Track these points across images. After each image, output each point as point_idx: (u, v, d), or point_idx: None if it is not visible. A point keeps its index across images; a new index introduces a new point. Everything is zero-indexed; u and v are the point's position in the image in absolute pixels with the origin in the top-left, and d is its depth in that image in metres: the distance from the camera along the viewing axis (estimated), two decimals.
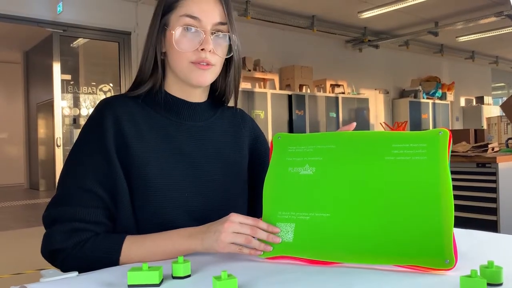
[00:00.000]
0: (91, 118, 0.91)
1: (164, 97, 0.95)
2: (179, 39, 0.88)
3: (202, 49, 0.88)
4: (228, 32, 0.92)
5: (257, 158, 1.08)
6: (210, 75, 0.92)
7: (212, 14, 0.89)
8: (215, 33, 0.90)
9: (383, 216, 0.76)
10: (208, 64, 0.90)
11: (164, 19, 0.91)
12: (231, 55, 0.94)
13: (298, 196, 0.83)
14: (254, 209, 1.04)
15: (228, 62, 0.97)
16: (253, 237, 0.79)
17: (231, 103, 1.08)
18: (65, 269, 0.84)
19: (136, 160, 0.88)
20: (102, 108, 0.91)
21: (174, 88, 0.96)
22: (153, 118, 0.93)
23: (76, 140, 0.91)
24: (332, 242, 0.78)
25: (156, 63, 0.93)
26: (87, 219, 0.84)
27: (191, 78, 0.91)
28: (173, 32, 0.88)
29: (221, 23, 0.90)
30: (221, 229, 0.77)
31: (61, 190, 0.87)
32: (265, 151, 1.10)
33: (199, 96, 0.99)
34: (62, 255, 0.84)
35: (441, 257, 0.71)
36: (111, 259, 0.82)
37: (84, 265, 0.81)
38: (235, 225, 0.78)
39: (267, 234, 0.80)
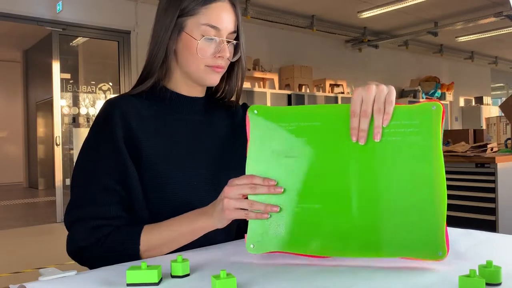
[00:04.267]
0: (98, 117, 0.95)
1: (166, 93, 1.00)
2: (201, 46, 0.93)
3: (219, 56, 0.95)
4: (239, 40, 0.98)
5: None
6: (220, 76, 0.99)
7: (229, 24, 0.95)
8: (230, 41, 0.96)
9: (374, 206, 0.73)
10: (221, 68, 0.97)
11: (180, 20, 0.94)
12: (237, 58, 1.00)
13: (285, 186, 0.76)
14: None
15: (230, 64, 1.02)
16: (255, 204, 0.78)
17: None
18: (94, 266, 0.86)
19: (144, 152, 0.92)
20: (108, 106, 0.95)
21: (178, 84, 1.01)
22: (157, 113, 0.98)
23: (85, 139, 0.95)
24: (324, 235, 0.75)
25: (164, 60, 0.97)
26: (106, 216, 0.88)
27: (205, 79, 0.97)
28: (198, 40, 0.93)
29: (234, 32, 0.97)
30: (222, 197, 0.79)
31: (77, 191, 0.91)
32: None
33: (200, 91, 1.04)
34: (87, 252, 0.87)
35: (434, 249, 0.71)
36: (132, 250, 0.85)
37: (110, 259, 0.83)
38: (233, 188, 0.78)
39: (268, 188, 0.77)
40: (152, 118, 0.96)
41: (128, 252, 0.85)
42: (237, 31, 0.97)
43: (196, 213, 0.85)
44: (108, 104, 0.95)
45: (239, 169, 1.02)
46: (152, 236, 0.86)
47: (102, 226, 0.87)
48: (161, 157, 0.93)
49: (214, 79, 0.98)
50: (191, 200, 0.93)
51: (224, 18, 0.94)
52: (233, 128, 1.07)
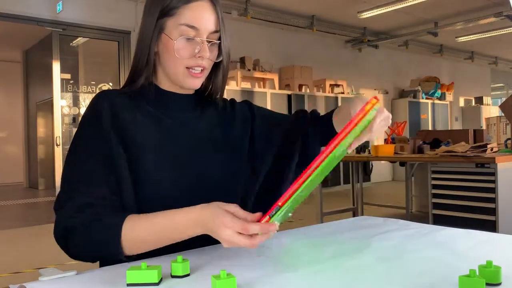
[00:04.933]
0: (89, 107, 0.96)
1: (155, 91, 1.00)
2: (179, 47, 0.92)
3: (199, 56, 0.93)
4: (220, 40, 0.97)
5: (256, 133, 1.10)
6: (201, 80, 0.98)
7: (209, 23, 0.93)
8: (210, 41, 0.94)
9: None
10: (202, 70, 0.96)
11: (160, 21, 0.94)
12: (220, 59, 0.99)
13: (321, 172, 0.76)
14: (264, 187, 1.07)
15: (215, 63, 1.01)
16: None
17: None
18: (77, 250, 0.84)
19: (132, 143, 0.92)
20: (98, 97, 0.96)
21: (164, 82, 1.01)
22: (145, 110, 0.97)
23: (77, 129, 0.95)
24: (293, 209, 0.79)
25: (148, 61, 0.97)
26: (94, 195, 0.85)
27: (185, 82, 0.96)
28: (174, 41, 0.92)
29: (215, 31, 0.95)
30: (221, 225, 0.75)
31: (66, 177, 0.90)
32: (259, 117, 1.12)
33: (187, 89, 1.02)
34: (72, 233, 0.83)
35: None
36: (114, 236, 0.81)
37: (92, 242, 0.82)
38: (229, 233, 0.74)
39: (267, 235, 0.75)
40: (139, 113, 0.96)
41: (110, 238, 0.81)
42: (220, 32, 0.96)
43: (187, 220, 0.80)
44: (98, 95, 0.95)
45: (226, 166, 1.03)
46: (136, 226, 0.82)
47: (89, 205, 0.84)
48: (148, 152, 0.93)
49: (194, 84, 0.96)
50: (178, 197, 0.91)
51: (203, 18, 0.92)
52: (225, 122, 1.07)
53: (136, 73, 0.98)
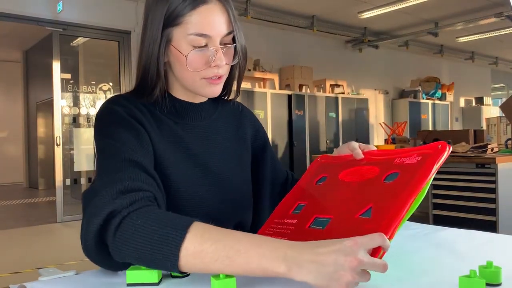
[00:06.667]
0: (105, 111, 0.88)
1: (169, 101, 0.94)
2: (191, 60, 0.85)
3: (215, 66, 0.86)
4: (235, 42, 0.89)
5: (256, 150, 1.09)
6: (221, 85, 0.92)
7: (220, 27, 0.85)
8: (224, 46, 0.87)
9: None
10: (220, 78, 0.90)
11: (166, 32, 0.86)
12: (236, 62, 0.92)
13: None
14: (254, 202, 1.06)
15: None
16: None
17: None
18: (119, 238, 0.67)
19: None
20: (111, 102, 0.89)
21: (178, 91, 0.96)
22: (160, 119, 0.92)
23: (99, 136, 0.85)
24: None
25: (159, 74, 0.89)
26: (144, 181, 0.75)
27: (205, 92, 0.91)
28: (185, 56, 0.85)
29: (229, 33, 0.87)
30: (342, 268, 0.59)
31: (101, 168, 0.78)
32: (263, 144, 1.10)
33: (203, 97, 0.99)
34: (117, 218, 0.68)
35: None
36: (176, 231, 0.65)
37: (142, 233, 0.66)
38: (363, 264, 0.60)
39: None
40: (154, 121, 0.91)
41: (169, 234, 0.64)
42: (234, 32, 0.88)
43: (276, 254, 0.62)
44: (111, 101, 0.89)
45: (243, 173, 1.02)
46: (206, 235, 0.64)
47: (140, 190, 0.73)
48: (165, 158, 0.88)
49: (214, 92, 0.91)
50: (193, 207, 0.89)
51: (214, 22, 0.84)
52: (237, 130, 1.04)
53: (147, 86, 0.91)
